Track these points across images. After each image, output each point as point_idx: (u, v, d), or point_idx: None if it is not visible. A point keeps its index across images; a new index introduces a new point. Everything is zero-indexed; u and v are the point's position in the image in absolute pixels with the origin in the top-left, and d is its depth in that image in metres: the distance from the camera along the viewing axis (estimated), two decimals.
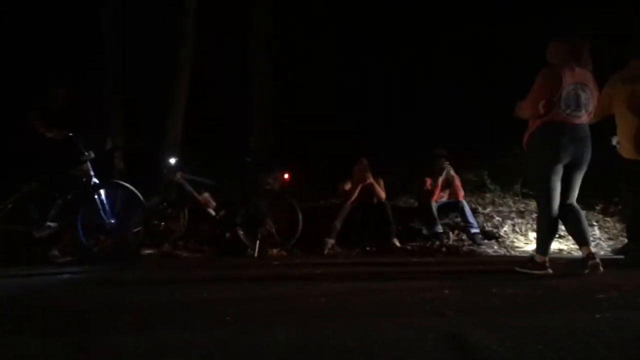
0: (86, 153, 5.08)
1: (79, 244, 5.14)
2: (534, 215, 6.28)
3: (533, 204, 6.74)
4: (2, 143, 5.44)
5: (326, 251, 5.92)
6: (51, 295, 3.32)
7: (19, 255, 5.25)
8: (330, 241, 6.04)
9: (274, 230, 6.05)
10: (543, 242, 3.82)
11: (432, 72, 9.83)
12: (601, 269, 3.54)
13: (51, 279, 4.18)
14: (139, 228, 5.50)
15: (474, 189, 7.83)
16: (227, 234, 6.12)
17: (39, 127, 5.07)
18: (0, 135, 5.59)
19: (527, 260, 3.97)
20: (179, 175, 6.02)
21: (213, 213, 6.11)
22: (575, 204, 3.86)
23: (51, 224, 5.16)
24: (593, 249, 3.86)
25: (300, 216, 5.95)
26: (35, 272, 4.62)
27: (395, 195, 7.38)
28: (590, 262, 3.59)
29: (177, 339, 1.96)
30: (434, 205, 6.32)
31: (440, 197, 6.50)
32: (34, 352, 1.84)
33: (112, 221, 5.12)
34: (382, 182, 6.52)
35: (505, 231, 6.37)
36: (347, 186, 6.42)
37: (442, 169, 6.45)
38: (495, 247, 6.02)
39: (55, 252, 5.43)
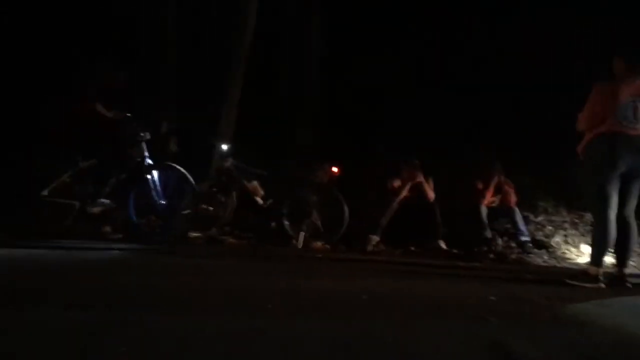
0: (142, 134, 5.21)
1: (129, 222, 5.29)
2: (588, 227, 6.06)
3: (587, 216, 6.50)
4: (63, 122, 5.64)
5: (370, 248, 5.88)
6: (99, 270, 3.43)
7: (72, 228, 5.45)
8: (375, 238, 6.00)
9: (319, 223, 6.06)
10: (597, 254, 3.69)
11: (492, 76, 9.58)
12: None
13: (100, 254, 4.31)
14: (189, 211, 5.62)
15: (528, 196, 7.61)
16: (273, 224, 6.17)
17: (98, 108, 5.23)
18: (61, 115, 5.80)
19: (578, 272, 3.84)
20: (229, 161, 6.12)
21: (260, 202, 6.18)
22: (631, 217, 3.76)
23: (104, 201, 5.33)
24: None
25: (347, 211, 5.93)
26: (86, 246, 4.79)
27: (444, 196, 7.26)
28: (620, 283, 3.60)
29: (216, 324, 1.97)
30: (484, 210, 6.18)
31: (491, 202, 6.35)
32: (77, 325, 1.89)
33: (163, 202, 5.23)
34: (431, 183, 6.43)
35: (556, 241, 6.17)
36: (396, 183, 6.36)
37: (494, 173, 6.31)
38: (545, 257, 5.83)
39: (107, 229, 5.61)
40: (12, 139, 6.28)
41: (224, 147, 6.21)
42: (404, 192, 6.25)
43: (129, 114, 5.17)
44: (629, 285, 3.61)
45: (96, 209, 5.40)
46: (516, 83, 9.14)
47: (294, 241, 5.91)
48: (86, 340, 1.73)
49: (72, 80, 5.84)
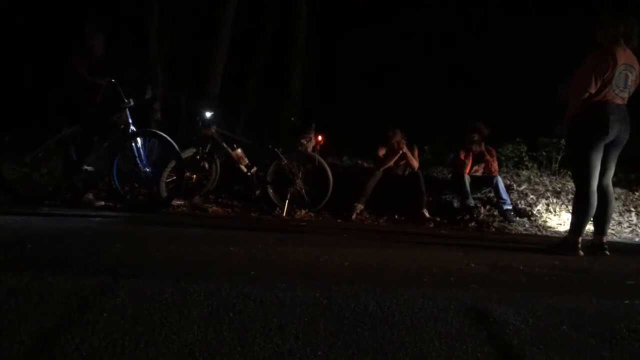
0: (126, 100, 5.13)
1: (113, 189, 5.24)
2: (570, 196, 6.14)
3: (570, 184, 6.59)
4: (45, 88, 5.56)
5: (354, 216, 5.91)
6: (83, 236, 3.41)
7: (56, 195, 5.41)
8: (359, 206, 6.02)
9: (303, 191, 6.07)
10: (577, 223, 3.75)
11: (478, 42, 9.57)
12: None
13: (84, 221, 4.28)
14: (172, 178, 5.59)
15: (511, 165, 7.70)
16: (257, 192, 6.16)
17: (81, 72, 5.15)
18: (43, 80, 5.72)
19: (559, 241, 3.91)
20: (213, 129, 6.06)
21: (245, 170, 6.15)
22: (610, 186, 3.84)
23: (88, 168, 5.29)
24: (629, 234, 3.78)
25: (331, 179, 5.94)
26: (70, 213, 4.76)
27: (428, 165, 7.32)
28: (600, 252, 3.68)
29: (202, 288, 1.99)
30: (467, 179, 6.22)
31: (474, 171, 6.40)
32: (63, 290, 1.89)
33: (147, 170, 5.19)
34: (416, 152, 6.45)
35: (538, 210, 6.25)
36: (381, 152, 6.37)
37: (475, 141, 6.34)
38: (527, 226, 5.91)
39: (90, 196, 5.58)
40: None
41: (208, 114, 6.14)
42: (389, 162, 6.27)
43: (113, 80, 5.09)
44: (607, 253, 3.69)
45: (80, 176, 5.37)
46: (499, 50, 9.17)
47: (278, 209, 5.92)
48: (75, 304, 1.74)
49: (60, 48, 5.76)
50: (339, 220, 5.74)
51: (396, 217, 6.02)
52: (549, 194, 6.64)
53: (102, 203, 5.53)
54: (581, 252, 3.67)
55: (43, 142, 5.30)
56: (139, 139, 5.17)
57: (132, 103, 5.17)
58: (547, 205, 6.36)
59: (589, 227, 4.03)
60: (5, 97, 8.63)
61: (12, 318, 1.62)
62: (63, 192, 5.59)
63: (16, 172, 5.72)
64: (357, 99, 9.60)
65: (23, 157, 5.34)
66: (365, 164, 7.22)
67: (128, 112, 5.16)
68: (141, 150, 5.17)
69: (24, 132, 5.39)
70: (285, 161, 6.09)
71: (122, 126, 5.17)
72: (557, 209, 6.26)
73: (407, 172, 6.35)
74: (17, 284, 1.92)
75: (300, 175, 6.09)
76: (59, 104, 5.35)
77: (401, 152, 6.26)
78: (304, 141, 6.27)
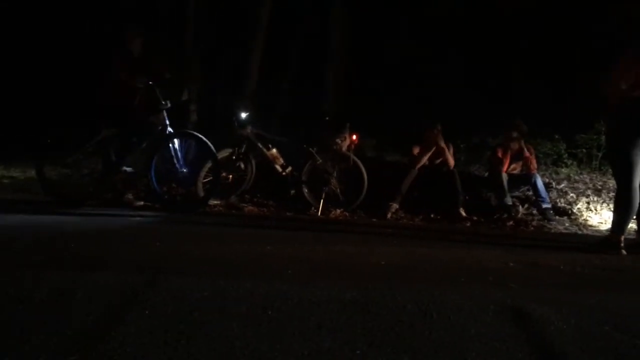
0: (163, 102, 5.22)
1: (151, 189, 5.34)
2: (612, 194, 5.98)
3: (611, 182, 6.40)
4: (85, 91, 5.70)
5: (389, 215, 5.89)
6: (124, 235, 3.50)
7: (96, 196, 5.55)
8: (394, 205, 5.99)
9: (338, 190, 6.07)
10: (619, 221, 3.66)
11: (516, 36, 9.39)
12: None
13: (124, 220, 4.39)
14: (209, 178, 5.67)
15: (549, 162, 7.53)
16: (292, 191, 6.19)
17: (121, 74, 5.26)
18: (82, 83, 5.87)
19: (600, 240, 3.81)
20: (249, 129, 6.12)
21: (280, 169, 6.20)
22: None
23: (127, 169, 5.40)
24: None
25: (366, 178, 5.92)
26: (110, 212, 4.88)
27: (464, 163, 7.22)
28: None
29: (239, 287, 2.02)
30: (505, 177, 6.12)
31: (512, 169, 6.28)
32: (108, 288, 1.95)
33: (184, 170, 5.27)
34: (452, 149, 6.38)
35: (578, 208, 6.10)
36: (416, 150, 6.32)
37: (514, 139, 6.22)
38: (567, 224, 5.78)
39: (129, 196, 5.71)
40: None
41: (244, 114, 6.21)
42: (424, 160, 6.21)
43: (150, 82, 5.18)
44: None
45: (119, 177, 5.49)
46: (539, 46, 8.98)
47: (313, 208, 5.94)
48: (118, 301, 1.78)
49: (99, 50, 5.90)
50: (374, 220, 5.72)
51: (432, 216, 5.97)
52: (589, 191, 6.47)
53: (141, 203, 5.65)
54: (624, 251, 3.58)
55: (83, 143, 5.44)
56: (176, 140, 5.25)
57: (169, 105, 5.25)
58: (588, 203, 6.20)
59: (632, 225, 3.92)
60: (46, 98, 8.92)
61: (57, 314, 1.67)
62: (103, 193, 5.73)
63: (58, 173, 5.89)
64: (393, 96, 9.53)
65: (64, 159, 5.49)
66: (402, 161, 7.15)
67: (165, 114, 5.25)
68: (178, 151, 5.25)
69: (64, 134, 5.53)
70: (320, 160, 6.10)
71: (160, 127, 5.26)
72: (598, 207, 6.09)
73: (444, 169, 6.26)
74: (62, 281, 1.98)
75: (335, 175, 6.09)
76: (100, 105, 5.47)
77: (438, 146, 6.19)
78: (338, 140, 6.27)
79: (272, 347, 1.53)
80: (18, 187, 6.62)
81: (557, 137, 7.57)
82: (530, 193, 6.25)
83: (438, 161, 6.30)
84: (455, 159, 6.41)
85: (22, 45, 10.31)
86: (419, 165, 6.20)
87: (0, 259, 2.44)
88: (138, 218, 4.55)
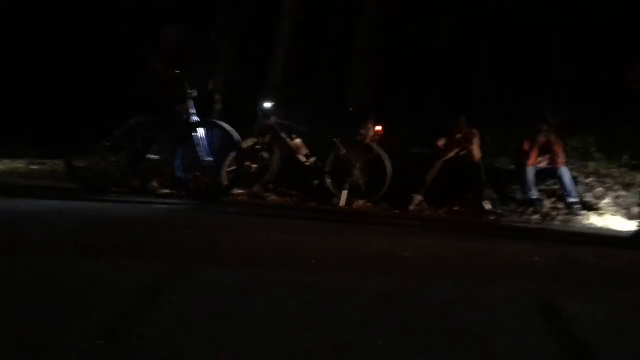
0: (189, 91, 5.25)
1: (176, 178, 5.39)
2: None
3: None
4: (111, 80, 5.77)
5: (412, 207, 5.87)
6: (151, 222, 3.54)
7: (122, 183, 5.62)
8: (418, 197, 5.97)
9: (361, 181, 6.06)
10: None
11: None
12: None
13: (150, 207, 4.45)
14: (233, 167, 5.70)
15: (578, 156, 7.39)
16: (316, 181, 6.20)
17: (155, 64, 5.29)
18: (110, 72, 5.95)
19: (629, 235, 3.75)
20: (273, 119, 6.14)
21: (303, 159, 6.21)
22: None
23: (152, 157, 5.46)
24: None
25: (389, 169, 5.90)
26: (137, 200, 4.95)
27: (490, 155, 7.13)
28: None
29: (264, 276, 2.02)
30: (531, 170, 6.04)
31: (538, 162, 6.19)
32: (136, 274, 1.97)
33: (209, 159, 5.31)
34: (477, 141, 6.30)
35: (606, 203, 6.00)
36: (441, 142, 6.27)
37: (541, 131, 6.12)
38: (593, 219, 5.69)
39: (155, 184, 5.77)
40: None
41: (268, 104, 6.23)
42: (450, 152, 6.16)
43: (177, 71, 5.22)
44: None
45: (145, 165, 5.56)
46: (572, 40, 8.79)
47: (336, 199, 5.94)
48: (148, 288, 1.81)
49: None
50: (397, 211, 5.71)
51: (456, 208, 5.93)
52: (617, 186, 6.35)
53: (167, 191, 5.71)
54: None
55: (110, 131, 5.51)
56: (201, 129, 5.28)
57: (195, 93, 5.28)
58: (616, 198, 6.09)
59: None
60: (73, 87, 9.05)
61: (89, 299, 1.70)
62: (129, 180, 5.81)
63: (85, 160, 5.99)
64: (421, 88, 9.43)
65: (92, 146, 5.57)
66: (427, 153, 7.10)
67: (191, 102, 5.28)
68: (203, 139, 5.29)
69: (93, 122, 5.59)
70: (344, 151, 6.09)
71: (185, 116, 5.30)
72: (627, 202, 5.98)
73: (467, 162, 6.19)
74: (93, 267, 2.02)
75: (358, 166, 6.08)
76: (134, 97, 5.53)
77: (463, 138, 6.14)
78: (362, 131, 6.25)
79: (297, 336, 1.53)
80: (46, 175, 6.76)
81: (585, 129, 7.41)
82: (557, 187, 6.15)
83: (462, 152, 6.23)
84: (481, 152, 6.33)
85: (52, 36, 10.47)
86: (443, 158, 6.15)
87: (29, 245, 2.49)
88: (164, 205, 4.61)
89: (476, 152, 6.18)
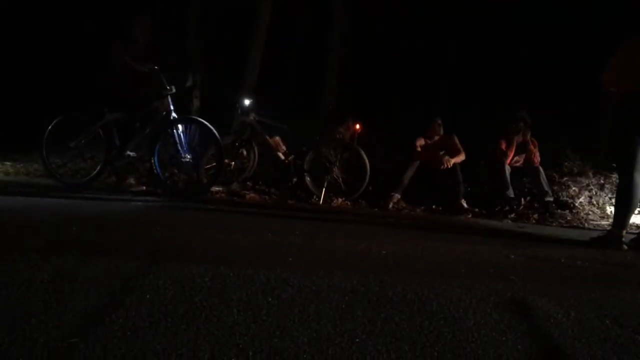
0: (168, 87, 5.20)
1: (154, 175, 5.34)
2: (614, 189, 5.97)
3: (614, 177, 6.39)
4: (89, 76, 5.69)
5: (391, 205, 5.89)
6: (125, 220, 3.50)
7: (98, 180, 5.55)
8: (396, 195, 5.99)
9: (340, 179, 6.07)
10: (621, 216, 3.66)
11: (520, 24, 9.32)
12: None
13: (126, 205, 4.39)
14: (212, 164, 5.66)
15: (553, 156, 7.49)
16: (294, 179, 6.19)
17: (124, 59, 5.24)
18: (87, 68, 5.86)
19: (602, 234, 3.81)
20: (252, 116, 6.11)
21: (282, 157, 6.19)
22: None
23: (130, 154, 5.40)
24: None
25: (368, 168, 5.91)
26: (112, 197, 4.89)
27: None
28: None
29: (241, 273, 2.02)
30: (507, 169, 6.11)
31: (515, 162, 6.27)
32: (108, 272, 1.95)
33: (188, 156, 5.26)
34: (457, 143, 6.36)
35: (581, 202, 6.09)
36: (419, 142, 6.31)
37: (518, 131, 6.20)
38: (569, 218, 5.77)
39: (132, 181, 5.72)
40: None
41: (247, 102, 6.19)
42: (428, 153, 6.21)
43: (155, 67, 5.16)
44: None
45: (122, 161, 5.50)
46: (544, 41, 8.92)
47: (315, 197, 5.94)
48: (118, 286, 1.79)
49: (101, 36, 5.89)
50: (376, 210, 5.73)
51: (433, 207, 5.97)
52: (592, 186, 6.46)
53: (143, 188, 5.66)
54: (625, 246, 3.59)
55: (86, 127, 5.43)
56: (180, 126, 5.24)
57: (174, 90, 5.24)
58: (590, 197, 6.20)
59: (633, 220, 3.91)
60: (49, 83, 8.91)
61: (58, 298, 1.68)
62: (105, 177, 5.73)
63: (60, 157, 5.89)
64: (397, 86, 9.49)
65: (67, 143, 5.49)
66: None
67: (170, 99, 5.23)
68: (182, 136, 5.24)
69: (67, 118, 5.51)
70: (323, 149, 6.09)
71: (164, 113, 5.24)
72: (601, 201, 6.09)
73: (445, 164, 6.23)
74: (63, 266, 1.99)
75: (337, 164, 6.09)
76: (102, 89, 5.45)
77: (440, 139, 6.21)
78: (341, 129, 6.26)
79: (272, 333, 1.53)
80: (20, 172, 6.65)
81: (560, 130, 7.53)
82: (533, 186, 6.23)
83: (442, 153, 6.27)
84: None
85: (20, 33, 10.32)
86: (420, 158, 6.20)
87: (0, 242, 2.45)
88: (140, 203, 4.55)
89: (459, 156, 6.19)
